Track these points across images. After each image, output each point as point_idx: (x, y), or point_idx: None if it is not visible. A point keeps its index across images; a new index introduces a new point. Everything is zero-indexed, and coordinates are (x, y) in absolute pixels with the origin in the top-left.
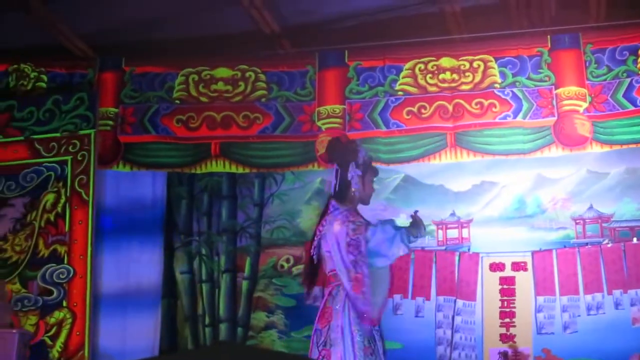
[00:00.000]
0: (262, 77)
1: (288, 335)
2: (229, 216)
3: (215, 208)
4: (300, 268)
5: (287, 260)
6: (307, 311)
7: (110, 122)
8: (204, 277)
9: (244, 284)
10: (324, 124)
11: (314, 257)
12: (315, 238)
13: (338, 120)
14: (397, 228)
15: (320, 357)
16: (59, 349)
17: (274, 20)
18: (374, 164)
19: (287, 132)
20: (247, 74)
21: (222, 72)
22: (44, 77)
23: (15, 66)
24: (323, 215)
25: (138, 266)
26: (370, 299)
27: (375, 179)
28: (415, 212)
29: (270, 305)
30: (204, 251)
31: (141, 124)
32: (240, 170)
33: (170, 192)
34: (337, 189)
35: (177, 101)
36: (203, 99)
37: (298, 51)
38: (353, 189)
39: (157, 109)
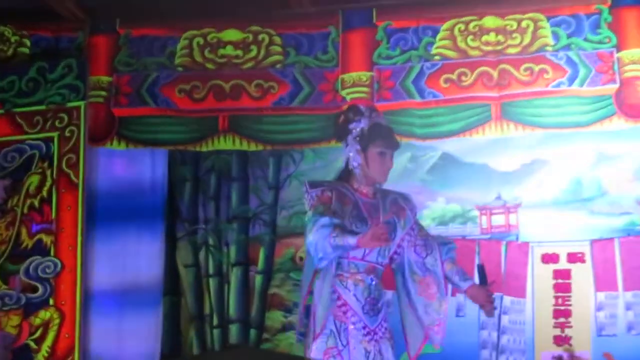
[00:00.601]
0: (277, 40)
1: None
2: (239, 201)
3: (224, 191)
4: None
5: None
6: None
7: (103, 93)
8: (211, 271)
9: (258, 279)
10: (348, 93)
11: None
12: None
13: (365, 89)
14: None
15: None
16: (45, 354)
17: None
18: (397, 138)
19: (306, 104)
20: (260, 37)
21: (231, 34)
22: (27, 42)
23: None
24: None
25: (135, 259)
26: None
27: (410, 156)
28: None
29: (288, 303)
30: (211, 241)
31: (138, 95)
32: (252, 147)
33: (172, 173)
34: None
35: (180, 68)
36: (209, 65)
37: (319, 10)
38: (350, 166)
39: (157, 78)
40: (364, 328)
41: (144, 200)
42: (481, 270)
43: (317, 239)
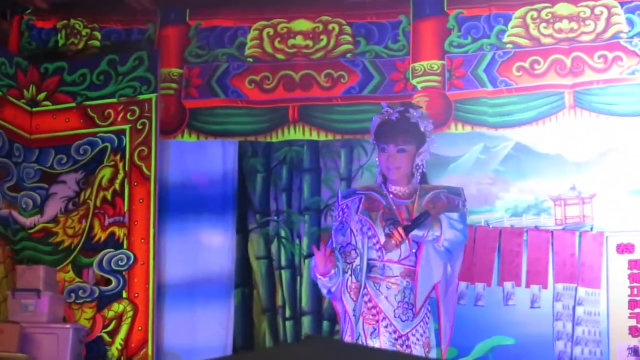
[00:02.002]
0: (348, 29)
1: None
2: (311, 192)
3: (296, 183)
4: None
5: None
6: None
7: (174, 85)
8: (283, 263)
9: None
10: (419, 82)
11: None
12: None
13: (436, 77)
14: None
15: None
16: (119, 346)
17: None
18: (421, 134)
19: (377, 92)
20: (330, 26)
21: (301, 24)
22: (98, 34)
23: (65, 22)
24: None
25: (208, 251)
26: None
27: (482, 147)
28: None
29: None
30: (283, 233)
31: (209, 87)
32: (323, 137)
33: (244, 165)
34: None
35: (250, 59)
36: (279, 55)
37: None
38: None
39: (227, 69)
40: (394, 332)
41: (215, 192)
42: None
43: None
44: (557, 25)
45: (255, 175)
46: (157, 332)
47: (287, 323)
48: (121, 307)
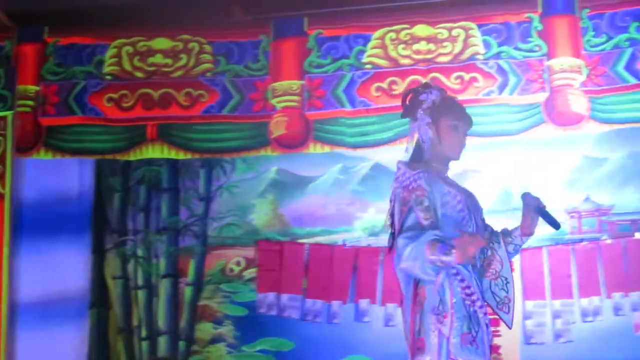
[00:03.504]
0: (208, 48)
1: (239, 349)
2: (169, 212)
3: (154, 203)
4: (252, 272)
5: (238, 263)
6: (260, 321)
7: (30, 102)
8: (140, 283)
9: (187, 291)
10: (279, 102)
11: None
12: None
13: (296, 97)
14: None
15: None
16: None
17: None
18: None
19: (236, 112)
20: (190, 45)
21: (161, 43)
22: None
23: None
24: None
25: (63, 270)
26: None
27: (341, 167)
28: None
29: (218, 314)
30: (140, 253)
31: (66, 104)
32: (181, 155)
33: (101, 184)
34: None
35: (108, 77)
36: (138, 74)
37: (250, 18)
38: (421, 142)
39: (85, 87)
40: (485, 313)
41: (72, 211)
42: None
43: (411, 267)
44: (415, 46)
45: (112, 194)
46: (10, 354)
47: (143, 343)
48: None
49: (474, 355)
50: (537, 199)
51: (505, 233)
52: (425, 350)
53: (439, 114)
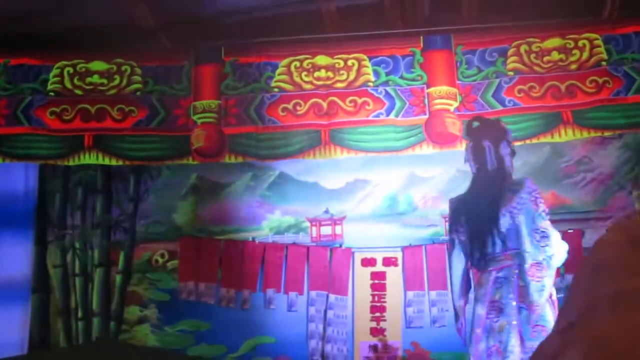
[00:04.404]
0: (138, 70)
1: (161, 329)
2: (103, 210)
3: (90, 202)
4: (174, 263)
5: (162, 255)
6: (180, 305)
7: None
8: (77, 271)
9: (118, 278)
10: (199, 118)
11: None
12: (504, 212)
13: (213, 114)
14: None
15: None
16: None
17: (151, 14)
18: None
19: (162, 126)
20: (123, 68)
21: (98, 65)
22: None
23: None
24: (511, 192)
25: (9, 260)
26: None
27: (251, 175)
28: None
29: (144, 299)
30: (77, 245)
31: (14, 116)
32: (114, 162)
33: (44, 185)
34: (494, 165)
35: (52, 93)
36: (78, 91)
37: (175, 46)
38: (507, 167)
39: (31, 101)
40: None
41: (18, 208)
42: None
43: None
44: (317, 73)
45: (54, 194)
46: None
47: (80, 323)
48: None
49: None
50: None
51: None
52: None
53: (514, 151)
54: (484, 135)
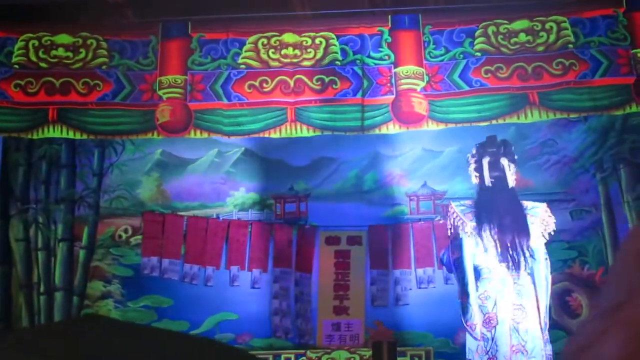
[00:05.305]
0: (104, 44)
1: (124, 304)
2: (67, 185)
3: (54, 177)
4: (138, 238)
5: (126, 231)
6: (143, 281)
7: None
8: (40, 245)
9: (81, 253)
10: (165, 93)
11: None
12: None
13: (179, 90)
14: None
15: None
16: None
17: None
18: None
19: (127, 100)
20: (89, 41)
21: (63, 38)
22: None
23: None
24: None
25: None
26: None
27: (217, 151)
28: None
29: (107, 274)
30: (40, 219)
31: None
32: (78, 136)
33: (7, 159)
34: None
35: (16, 66)
36: (42, 64)
37: (141, 21)
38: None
39: None
40: None
41: None
42: None
43: None
44: (284, 51)
45: (17, 168)
46: None
47: (42, 298)
48: None
49: None
50: None
51: None
52: None
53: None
54: (503, 154)
